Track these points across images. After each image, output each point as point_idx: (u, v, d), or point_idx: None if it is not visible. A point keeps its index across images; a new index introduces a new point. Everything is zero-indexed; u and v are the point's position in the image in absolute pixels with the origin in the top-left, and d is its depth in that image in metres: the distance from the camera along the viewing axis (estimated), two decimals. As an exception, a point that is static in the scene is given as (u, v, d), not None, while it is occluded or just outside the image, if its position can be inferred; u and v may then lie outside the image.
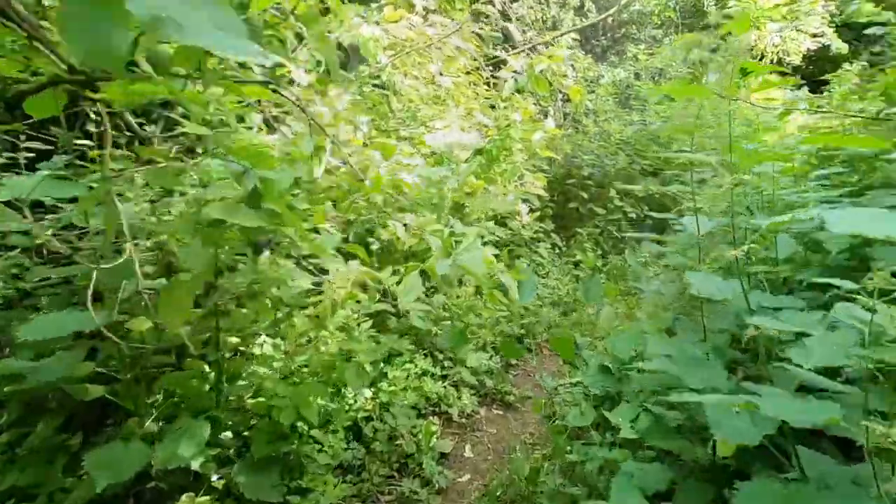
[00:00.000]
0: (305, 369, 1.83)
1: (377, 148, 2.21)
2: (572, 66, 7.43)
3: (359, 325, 1.93)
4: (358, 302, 1.84)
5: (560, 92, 6.99)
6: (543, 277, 4.37)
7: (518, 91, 2.60)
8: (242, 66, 1.74)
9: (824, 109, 3.02)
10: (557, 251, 4.98)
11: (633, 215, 5.16)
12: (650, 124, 5.72)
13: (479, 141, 2.60)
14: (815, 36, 9.03)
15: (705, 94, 1.43)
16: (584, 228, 5.09)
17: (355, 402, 2.53)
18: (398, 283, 1.62)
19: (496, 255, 2.74)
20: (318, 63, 2.15)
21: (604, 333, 3.28)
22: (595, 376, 2.37)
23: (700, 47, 6.25)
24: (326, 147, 1.85)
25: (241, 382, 1.95)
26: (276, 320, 1.72)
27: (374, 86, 3.01)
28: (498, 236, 2.85)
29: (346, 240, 2.01)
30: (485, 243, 2.79)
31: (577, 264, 4.92)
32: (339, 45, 2.18)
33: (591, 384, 2.38)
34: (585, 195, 5.14)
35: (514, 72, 2.35)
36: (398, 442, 2.45)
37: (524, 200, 2.90)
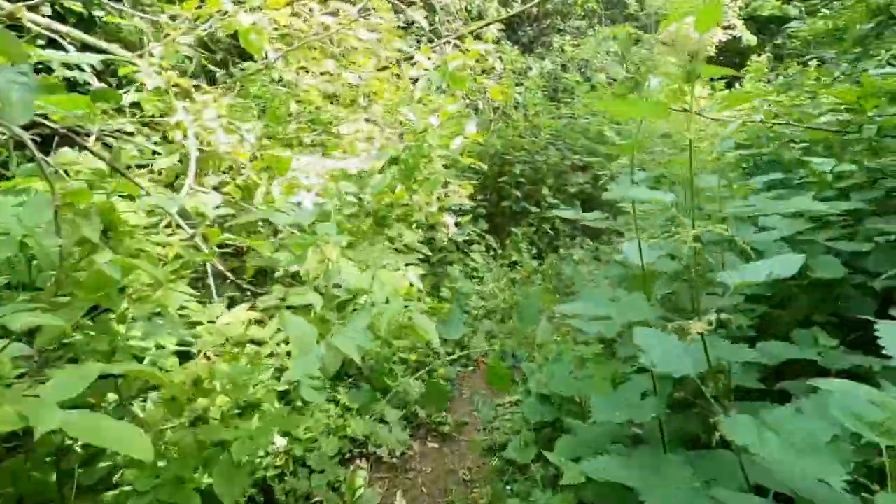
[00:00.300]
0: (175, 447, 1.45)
1: (269, 162, 1.83)
2: (500, 58, 7.21)
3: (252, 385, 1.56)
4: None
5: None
6: (479, 283, 4.14)
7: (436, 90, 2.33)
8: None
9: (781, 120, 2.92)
10: (493, 253, 4.77)
11: (569, 213, 5.04)
12: (579, 118, 5.62)
13: (397, 146, 2.28)
14: (726, 28, 9.42)
15: (657, 112, 1.18)
16: (518, 228, 4.91)
17: (264, 457, 2.16)
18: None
19: (423, 275, 2.44)
20: (188, 59, 1.74)
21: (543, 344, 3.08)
22: (534, 405, 2.14)
23: (628, 42, 6.21)
24: (191, 166, 1.46)
25: (100, 465, 1.54)
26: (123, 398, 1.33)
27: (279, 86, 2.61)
28: (423, 254, 2.57)
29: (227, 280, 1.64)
30: (408, 263, 2.48)
31: (513, 265, 4.74)
32: (213, 37, 1.78)
33: (530, 414, 2.16)
34: (519, 193, 4.96)
35: (426, 69, 2.05)
36: (316, 501, 2.11)
37: (451, 210, 2.62)
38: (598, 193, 5.61)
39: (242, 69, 2.12)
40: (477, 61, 6.75)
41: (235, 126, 1.85)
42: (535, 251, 4.93)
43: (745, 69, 10.06)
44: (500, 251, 4.84)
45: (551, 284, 4.54)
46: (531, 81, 6.66)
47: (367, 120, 2.68)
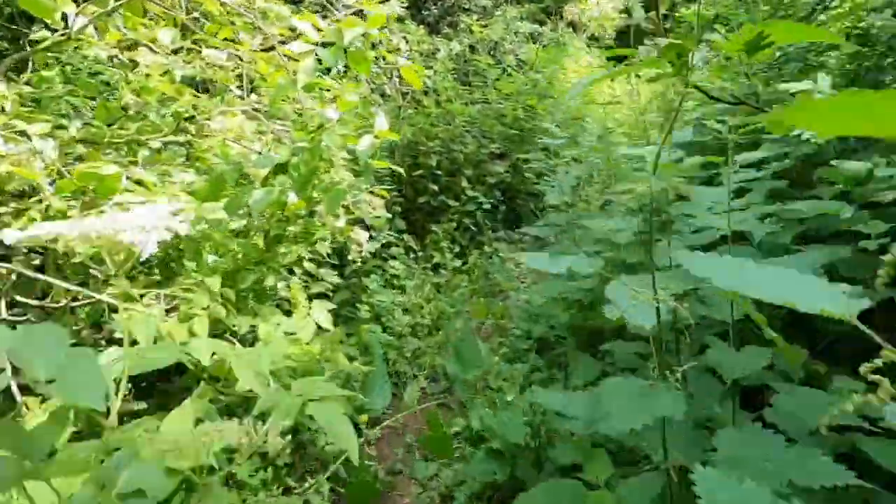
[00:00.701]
0: None
1: (84, 181, 1.23)
2: (405, 38, 6.70)
3: None
4: None
5: (396, 69, 6.26)
6: (400, 294, 3.68)
7: (326, 72, 1.81)
8: None
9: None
10: (413, 256, 4.32)
11: (488, 205, 4.71)
12: (494, 103, 5.29)
13: (289, 148, 1.74)
14: (623, 12, 9.61)
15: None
16: (438, 225, 4.50)
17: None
18: None
19: (332, 310, 1.94)
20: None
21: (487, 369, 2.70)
22: (482, 464, 1.76)
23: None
24: None
25: None
26: None
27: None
28: (329, 283, 2.07)
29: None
30: (312, 297, 1.97)
31: (436, 268, 4.33)
32: None
33: (481, 475, 1.77)
34: (436, 187, 4.54)
35: (313, 44, 1.52)
36: None
37: (363, 224, 2.13)
38: (518, 182, 5.35)
39: (33, 42, 1.44)
40: (381, 31, 6.23)
41: (27, 129, 1.22)
42: (457, 249, 4.56)
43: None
44: (420, 252, 4.41)
45: (478, 285, 4.20)
46: (440, 64, 6.23)
47: (252, 113, 2.09)
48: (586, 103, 6.75)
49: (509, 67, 6.12)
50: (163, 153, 1.67)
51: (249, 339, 1.64)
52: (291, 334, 1.53)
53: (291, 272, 1.99)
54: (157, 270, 1.82)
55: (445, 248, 4.37)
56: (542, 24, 7.75)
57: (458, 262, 4.38)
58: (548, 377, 2.64)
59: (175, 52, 1.81)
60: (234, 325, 1.49)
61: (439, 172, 4.53)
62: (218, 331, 1.56)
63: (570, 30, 7.52)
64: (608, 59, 9.18)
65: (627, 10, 8.96)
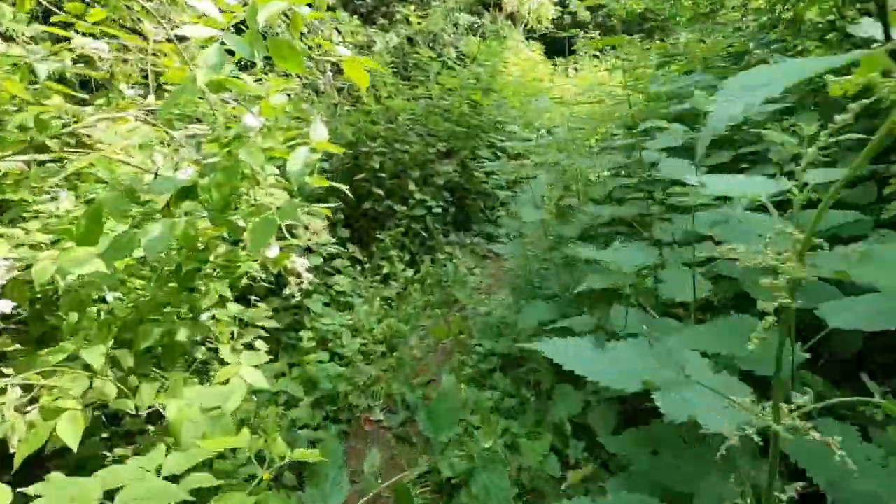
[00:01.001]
0: None
1: None
2: (337, 29, 6.28)
3: None
4: None
5: (330, 62, 5.82)
6: (348, 314, 3.32)
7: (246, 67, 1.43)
8: None
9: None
10: (359, 268, 3.96)
11: (438, 208, 4.42)
12: (438, 98, 4.99)
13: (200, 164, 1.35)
14: (558, 4, 9.58)
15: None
16: (385, 233, 4.16)
17: None
18: None
19: (272, 332, 1.57)
20: None
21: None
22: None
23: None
24: None
25: None
26: None
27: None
28: (262, 328, 1.71)
29: None
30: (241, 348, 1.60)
31: (386, 279, 3.99)
32: None
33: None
34: (380, 190, 4.18)
35: (225, 29, 1.15)
36: None
37: (302, 250, 1.77)
38: (466, 181, 5.10)
39: None
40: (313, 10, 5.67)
41: None
42: (407, 257, 4.24)
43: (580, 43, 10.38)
44: (367, 263, 4.05)
45: (433, 297, 3.91)
46: (378, 57, 5.85)
47: (145, 117, 1.67)
48: (528, 95, 6.61)
49: (450, 61, 5.84)
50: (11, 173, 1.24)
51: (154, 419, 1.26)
52: (214, 409, 1.17)
53: (213, 316, 1.60)
54: (28, 327, 1.39)
55: (395, 256, 4.04)
56: (479, 15, 7.53)
57: (409, 272, 4.07)
58: (518, 403, 2.40)
59: (35, 40, 1.37)
60: (130, 407, 1.11)
61: (383, 175, 4.19)
62: (108, 413, 1.17)
63: (509, 22, 7.35)
64: (546, 53, 9.11)
65: (563, 2, 8.92)
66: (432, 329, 3.13)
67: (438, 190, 4.56)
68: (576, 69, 9.87)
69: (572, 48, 11.45)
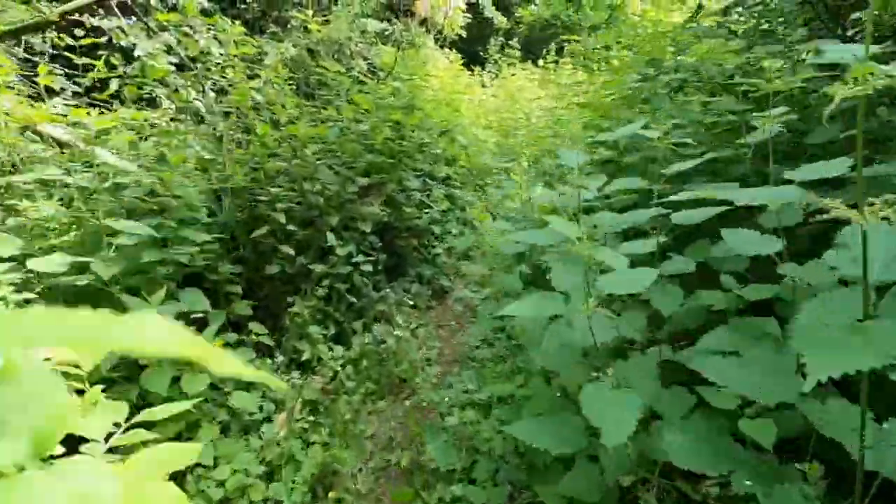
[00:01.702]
0: None
1: None
2: (216, 37, 5.14)
3: None
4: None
5: (211, 79, 4.70)
6: (255, 440, 2.31)
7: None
8: None
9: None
10: (266, 354, 2.95)
11: (370, 266, 3.50)
12: (353, 121, 4.08)
13: None
14: (468, 10, 9.01)
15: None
16: (300, 302, 3.17)
17: None
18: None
19: None
20: None
21: None
22: None
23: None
24: None
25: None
26: None
27: None
28: None
29: None
30: None
31: (302, 367, 3.01)
32: None
33: None
34: (289, 248, 3.19)
35: None
36: None
37: None
38: (396, 218, 4.23)
39: None
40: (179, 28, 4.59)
41: None
42: (332, 330, 3.29)
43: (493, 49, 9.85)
44: (277, 347, 3.05)
45: (374, 383, 3.00)
46: (272, 72, 4.81)
47: None
48: (454, 111, 5.89)
49: (361, 75, 4.95)
50: None
51: None
52: None
53: None
54: None
55: (315, 334, 3.07)
56: (387, 21, 6.70)
57: (338, 351, 3.12)
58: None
59: None
60: None
61: (292, 228, 3.20)
62: None
63: (423, 29, 6.61)
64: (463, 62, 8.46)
65: (476, 6, 8.36)
66: (395, 495, 2.20)
67: (364, 237, 3.65)
68: (494, 77, 9.35)
69: (484, 56, 11.00)
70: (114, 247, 1.96)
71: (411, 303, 4.01)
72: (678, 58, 4.33)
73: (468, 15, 8.91)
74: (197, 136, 4.02)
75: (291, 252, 3.14)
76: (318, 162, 3.57)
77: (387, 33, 5.77)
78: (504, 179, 6.15)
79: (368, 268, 3.38)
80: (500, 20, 8.23)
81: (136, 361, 2.12)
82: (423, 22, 6.72)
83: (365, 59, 5.45)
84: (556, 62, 9.11)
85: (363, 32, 5.34)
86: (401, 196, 4.24)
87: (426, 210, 4.38)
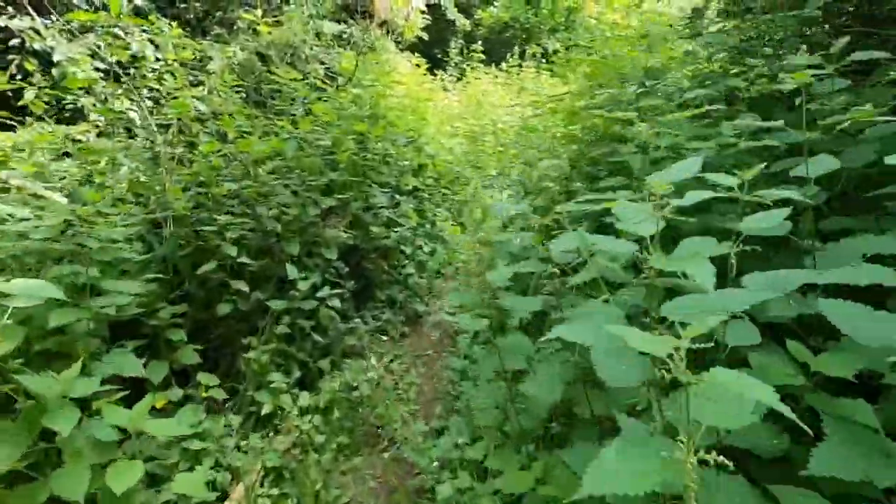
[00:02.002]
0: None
1: None
2: (151, 40, 4.65)
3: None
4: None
5: (147, 87, 4.21)
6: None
7: None
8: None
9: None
10: (219, 410, 2.54)
11: (335, 297, 3.12)
12: (313, 134, 3.68)
13: None
14: (426, 12, 8.70)
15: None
16: (258, 346, 2.77)
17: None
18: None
19: None
20: None
21: None
22: None
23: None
24: None
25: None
26: None
27: None
28: None
29: None
30: None
31: (266, 422, 2.61)
32: None
33: None
34: (244, 284, 2.78)
35: None
36: None
37: None
38: (362, 239, 3.86)
39: None
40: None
41: None
42: (296, 373, 2.90)
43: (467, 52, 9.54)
44: (231, 398, 2.64)
45: (348, 434, 2.63)
46: (216, 79, 4.35)
47: None
48: (420, 118, 5.57)
49: (318, 81, 4.55)
50: None
51: None
52: None
53: None
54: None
55: (277, 382, 2.68)
56: (342, 22, 6.29)
57: (304, 398, 2.74)
58: None
59: None
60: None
61: (245, 260, 2.79)
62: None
63: (383, 30, 6.24)
64: (419, 65, 8.14)
65: (436, 7, 8.06)
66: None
67: (328, 264, 3.27)
68: (456, 80, 9.08)
69: (444, 59, 10.70)
70: (8, 313, 1.52)
71: (384, 336, 3.66)
72: (684, 70, 4.16)
73: (427, 17, 8.61)
74: (130, 155, 3.53)
75: (245, 288, 2.73)
76: (274, 181, 3.16)
77: (344, 36, 5.37)
78: (481, 194, 5.88)
79: (336, 303, 3.00)
80: (462, 22, 7.96)
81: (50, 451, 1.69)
82: (383, 24, 6.35)
83: (322, 63, 5.04)
84: (520, 65, 8.92)
85: (319, 35, 4.93)
86: (367, 215, 3.88)
87: (395, 229, 4.04)
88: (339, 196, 3.36)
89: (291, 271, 2.81)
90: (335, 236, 3.25)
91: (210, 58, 4.62)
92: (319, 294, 2.92)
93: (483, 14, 11.30)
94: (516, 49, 9.35)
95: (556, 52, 12.33)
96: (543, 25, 12.43)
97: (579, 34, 13.51)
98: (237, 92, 4.44)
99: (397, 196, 4.56)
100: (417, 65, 6.02)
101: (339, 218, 3.45)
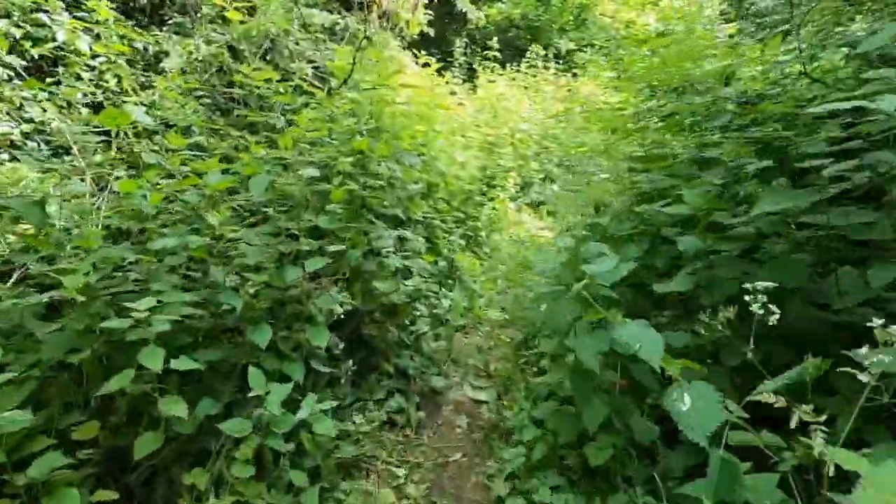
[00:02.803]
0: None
1: None
2: (99, 35, 3.72)
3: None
4: None
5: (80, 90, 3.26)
6: None
7: None
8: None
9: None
10: None
11: (328, 416, 2.13)
12: (296, 154, 2.67)
13: None
14: (428, 6, 7.71)
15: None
16: (200, 482, 1.78)
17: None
18: None
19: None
20: None
21: None
22: None
23: None
24: None
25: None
26: None
27: None
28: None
29: None
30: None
31: None
32: None
33: None
34: (178, 405, 1.78)
35: None
36: None
37: None
38: (362, 294, 2.89)
39: None
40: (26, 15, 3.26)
41: None
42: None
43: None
44: None
45: None
46: (173, 81, 3.38)
47: None
48: (430, 129, 4.59)
49: (305, 83, 3.55)
50: None
51: None
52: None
53: None
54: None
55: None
56: (335, 12, 5.30)
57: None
58: None
59: None
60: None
61: (185, 364, 1.79)
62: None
63: (386, 22, 5.27)
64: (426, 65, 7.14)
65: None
66: None
67: (315, 351, 2.27)
68: (462, 82, 8.09)
69: (448, 59, 9.69)
70: None
71: (392, 429, 2.68)
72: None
73: (429, 13, 7.63)
74: (41, 189, 2.54)
75: (180, 413, 1.73)
76: (237, 229, 2.17)
77: (338, 28, 4.39)
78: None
79: (321, 429, 2.00)
80: (476, 16, 6.98)
81: None
82: (383, 16, 5.37)
83: (310, 62, 4.05)
84: (544, 66, 7.92)
85: (306, 27, 3.93)
86: (369, 261, 2.89)
87: (409, 283, 3.06)
88: (333, 248, 2.37)
89: (255, 380, 1.82)
90: (326, 303, 2.26)
91: (165, 53, 3.62)
92: (300, 414, 1.93)
93: (490, 10, 10.31)
94: (536, 48, 8.33)
95: (569, 52, 11.40)
96: (554, 24, 11.49)
97: (592, 33, 12.60)
98: (199, 97, 3.46)
99: (403, 230, 3.58)
100: (426, 64, 5.04)
101: (331, 277, 2.47)
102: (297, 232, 2.27)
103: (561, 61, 9.07)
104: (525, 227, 5.94)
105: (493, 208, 5.52)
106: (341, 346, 2.55)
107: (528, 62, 8.02)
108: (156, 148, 2.65)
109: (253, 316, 2.01)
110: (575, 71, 8.50)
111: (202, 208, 2.05)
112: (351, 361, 2.55)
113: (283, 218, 2.34)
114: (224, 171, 2.23)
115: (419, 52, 5.95)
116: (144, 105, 3.29)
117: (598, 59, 10.27)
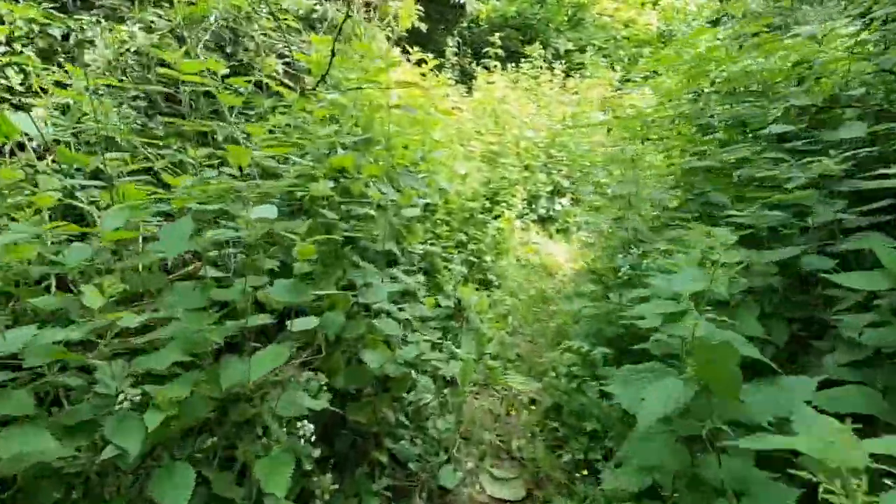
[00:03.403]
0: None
1: None
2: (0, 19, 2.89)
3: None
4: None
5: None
6: None
7: None
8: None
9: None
10: None
11: None
12: (252, 178, 1.91)
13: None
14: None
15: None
16: None
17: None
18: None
19: None
20: None
21: None
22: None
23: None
24: None
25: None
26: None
27: None
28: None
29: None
30: None
31: None
32: None
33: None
34: None
35: None
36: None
37: None
38: (345, 379, 2.13)
39: None
40: None
41: None
42: None
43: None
44: None
45: None
46: (95, 78, 2.59)
47: None
48: (428, 137, 3.84)
49: (274, 82, 2.77)
50: None
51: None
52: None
53: None
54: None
55: None
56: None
57: None
58: None
59: None
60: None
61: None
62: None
63: (373, 14, 4.52)
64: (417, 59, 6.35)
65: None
66: None
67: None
68: (456, 83, 7.34)
69: (440, 58, 8.93)
70: None
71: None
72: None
73: (419, 8, 6.87)
74: None
75: None
76: (136, 313, 1.39)
77: (315, 16, 3.62)
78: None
79: None
80: (474, 7, 6.25)
81: None
82: (368, 6, 4.62)
83: (280, 56, 3.29)
84: (550, 67, 7.20)
85: (275, 15, 3.15)
86: (354, 325, 2.13)
87: (406, 347, 2.31)
88: (300, 323, 1.61)
89: None
90: (290, 412, 1.49)
91: (90, 42, 2.83)
92: None
93: (485, 7, 9.59)
94: (532, 49, 7.61)
95: (567, 52, 10.73)
96: (551, 23, 10.83)
97: (591, 33, 11.96)
98: (133, 99, 2.67)
99: (397, 269, 2.82)
100: (421, 61, 4.31)
101: (299, 359, 1.70)
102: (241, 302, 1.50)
103: (561, 62, 8.38)
104: (534, 249, 5.22)
105: (499, 228, 4.78)
106: (313, 436, 1.76)
107: (529, 62, 7.29)
108: (48, 170, 1.86)
109: (161, 454, 1.23)
110: (576, 72, 7.83)
111: (80, 280, 1.27)
112: (330, 476, 1.78)
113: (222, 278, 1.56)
114: (133, 208, 1.46)
115: (410, 48, 5.20)
116: (56, 110, 2.49)
117: (598, 59, 9.64)
